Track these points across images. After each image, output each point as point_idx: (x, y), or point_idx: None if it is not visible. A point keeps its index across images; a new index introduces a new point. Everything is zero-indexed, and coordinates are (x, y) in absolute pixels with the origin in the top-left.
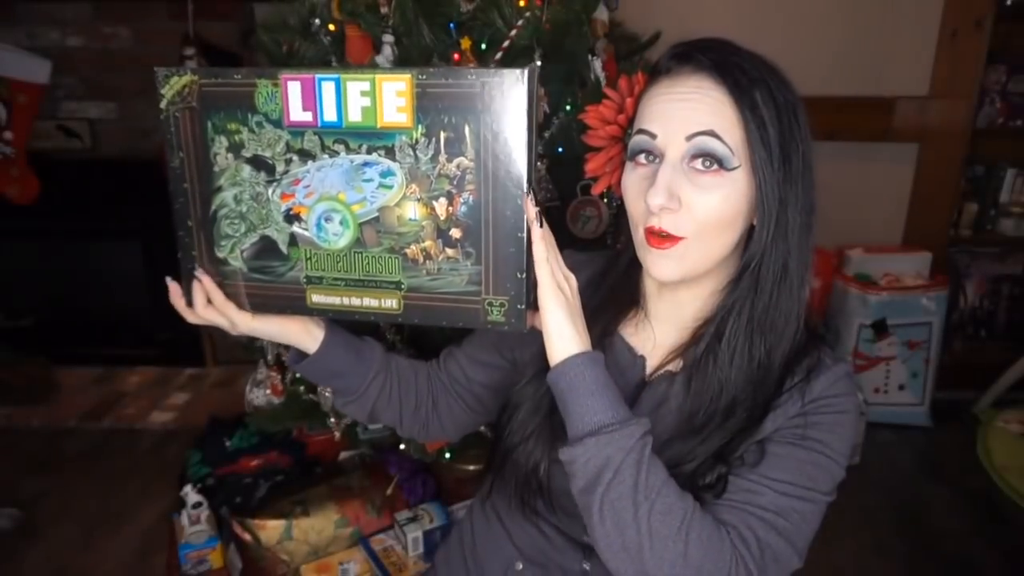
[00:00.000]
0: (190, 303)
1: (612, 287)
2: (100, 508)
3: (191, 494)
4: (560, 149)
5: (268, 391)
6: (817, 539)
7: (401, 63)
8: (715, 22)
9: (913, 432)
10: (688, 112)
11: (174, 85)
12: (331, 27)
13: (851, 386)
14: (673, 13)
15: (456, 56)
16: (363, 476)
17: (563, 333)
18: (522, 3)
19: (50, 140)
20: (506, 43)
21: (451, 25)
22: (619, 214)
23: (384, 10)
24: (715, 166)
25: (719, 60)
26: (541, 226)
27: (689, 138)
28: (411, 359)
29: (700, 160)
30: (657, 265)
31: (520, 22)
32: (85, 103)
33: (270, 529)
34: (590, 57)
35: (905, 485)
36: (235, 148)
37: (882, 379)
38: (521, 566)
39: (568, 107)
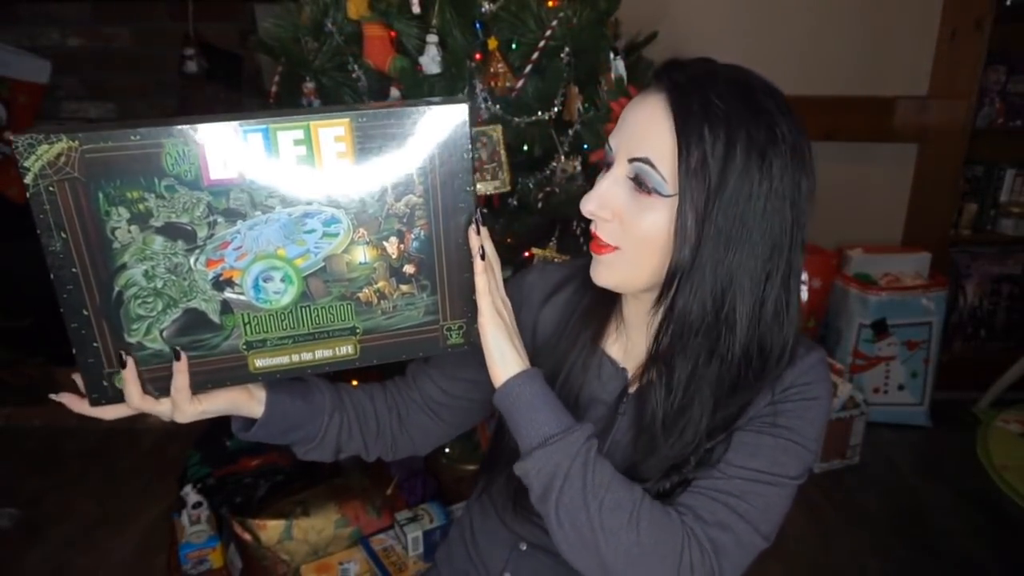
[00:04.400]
0: (96, 403)
1: (593, 296)
2: (100, 508)
3: (191, 494)
4: (586, 146)
5: None
6: (817, 539)
7: (444, 63)
8: (713, 23)
9: (913, 432)
10: (636, 134)
11: (42, 155)
12: (334, 27)
13: (823, 372)
14: (674, 13)
15: (478, 56)
16: (363, 476)
17: (504, 357)
18: (551, 3)
19: None
20: (541, 43)
21: (477, 25)
22: None
23: (416, 10)
24: (648, 189)
25: (684, 88)
26: (483, 258)
27: (630, 160)
28: (363, 385)
29: (636, 181)
30: (594, 269)
31: (554, 22)
32: (85, 103)
33: (270, 529)
34: (612, 56)
35: (904, 485)
36: (140, 218)
37: (882, 379)
38: (525, 547)
39: (586, 105)
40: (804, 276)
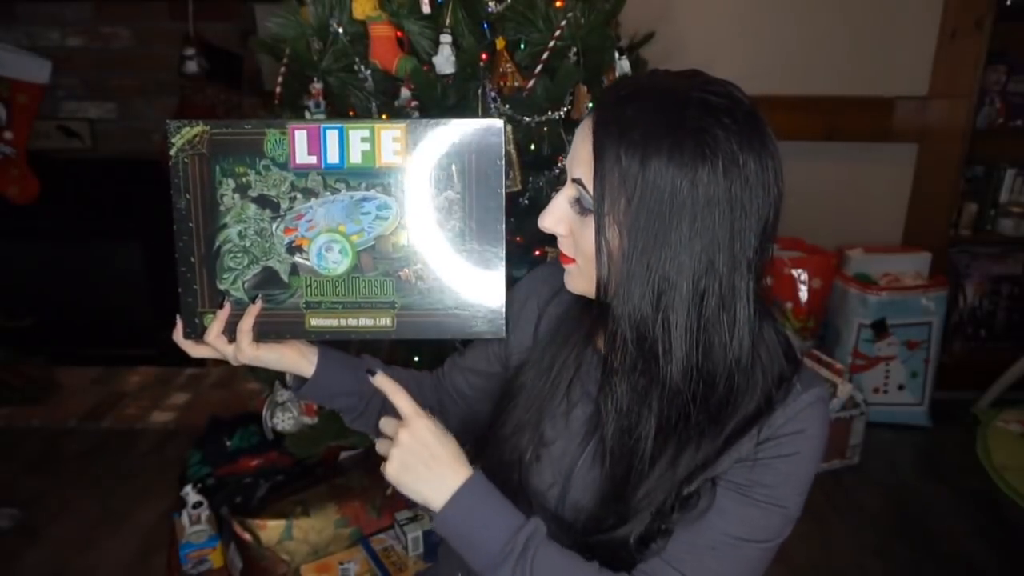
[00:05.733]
0: (187, 336)
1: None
2: (100, 508)
3: (191, 494)
4: None
5: (297, 413)
6: (817, 539)
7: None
8: (712, 23)
9: (913, 432)
10: (574, 155)
11: (185, 135)
12: (339, 28)
13: (816, 415)
14: (673, 14)
15: (484, 56)
16: (363, 476)
17: (423, 498)
18: (558, 3)
19: (50, 140)
20: (551, 43)
21: (484, 25)
22: None
23: (426, 10)
24: (584, 209)
25: (608, 108)
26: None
27: (572, 180)
28: (412, 370)
29: (577, 200)
30: (564, 276)
31: (563, 22)
32: (85, 103)
33: (270, 529)
34: (616, 56)
35: (904, 485)
36: (242, 189)
37: (882, 379)
38: None
39: (590, 105)
40: (803, 276)
